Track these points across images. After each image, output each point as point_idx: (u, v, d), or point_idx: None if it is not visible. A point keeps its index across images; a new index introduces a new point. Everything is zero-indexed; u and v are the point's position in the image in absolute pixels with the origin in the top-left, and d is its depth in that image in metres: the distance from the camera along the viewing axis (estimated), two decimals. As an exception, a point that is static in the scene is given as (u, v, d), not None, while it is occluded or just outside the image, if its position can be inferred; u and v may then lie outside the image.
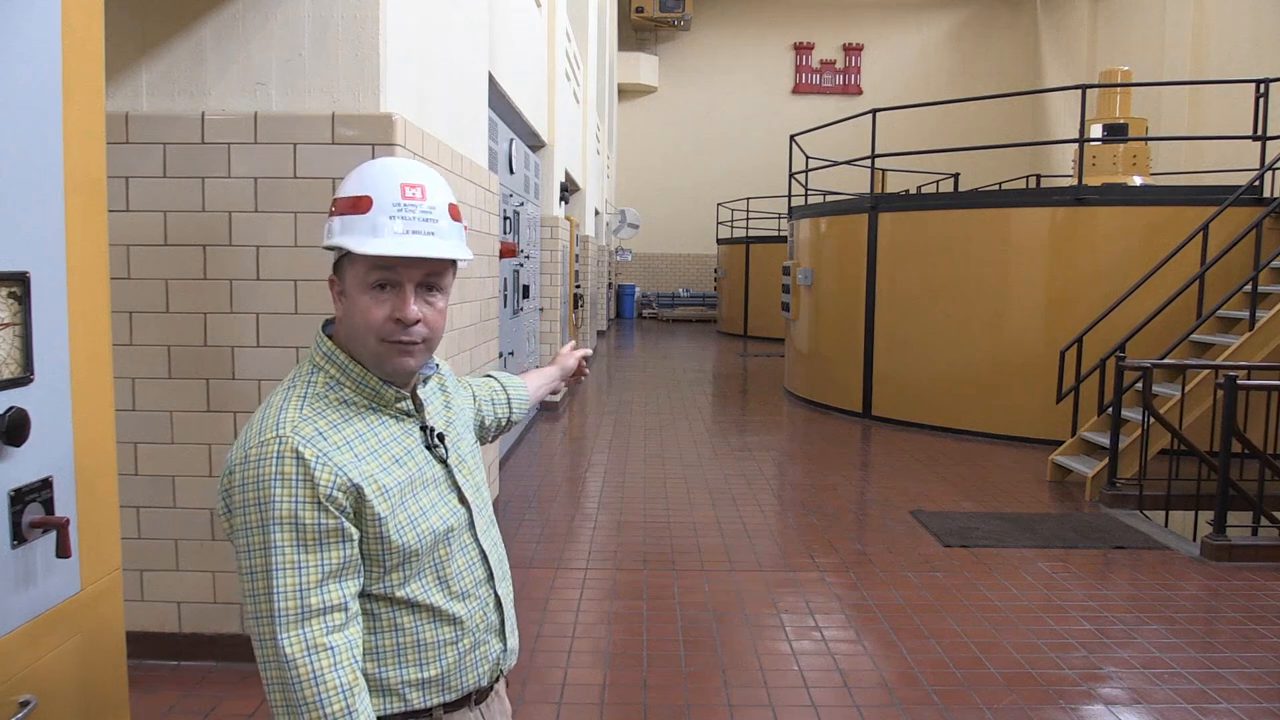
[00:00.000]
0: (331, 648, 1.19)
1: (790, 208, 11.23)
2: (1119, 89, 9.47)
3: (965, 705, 3.24)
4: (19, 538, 1.41)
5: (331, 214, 1.31)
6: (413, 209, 1.27)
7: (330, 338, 1.34)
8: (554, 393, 2.00)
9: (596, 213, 16.12)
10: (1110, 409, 6.22)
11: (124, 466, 3.24)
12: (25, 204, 1.42)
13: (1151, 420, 5.92)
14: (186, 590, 3.35)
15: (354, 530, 1.24)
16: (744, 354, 16.02)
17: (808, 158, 11.52)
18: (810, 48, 24.49)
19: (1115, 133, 9.30)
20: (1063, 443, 6.97)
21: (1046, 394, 7.53)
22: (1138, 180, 8.97)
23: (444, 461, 1.39)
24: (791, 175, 11.43)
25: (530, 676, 3.41)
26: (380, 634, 1.29)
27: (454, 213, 1.33)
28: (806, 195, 11.35)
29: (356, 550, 1.24)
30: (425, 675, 1.32)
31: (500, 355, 6.18)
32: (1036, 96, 22.06)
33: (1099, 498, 6.14)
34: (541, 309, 9.29)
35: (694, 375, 12.80)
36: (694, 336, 19.48)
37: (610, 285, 21.65)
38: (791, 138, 11.56)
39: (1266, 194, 7.58)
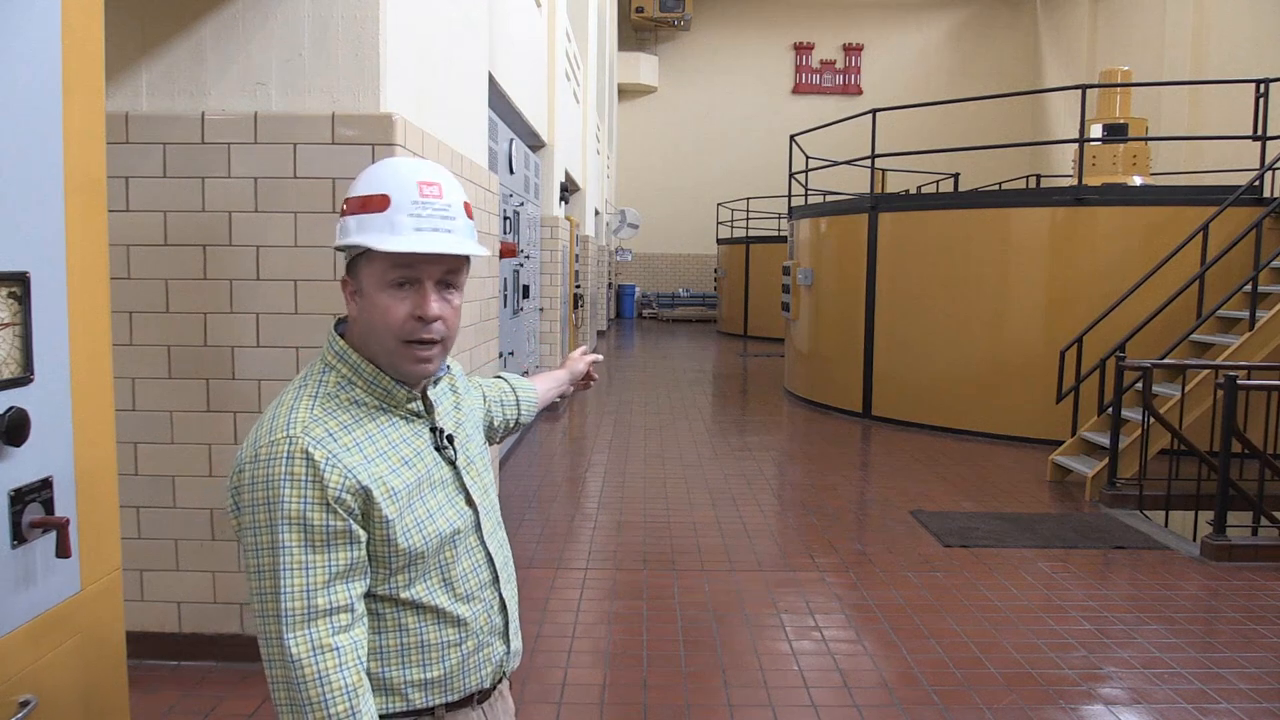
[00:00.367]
0: (337, 648, 1.19)
1: (790, 208, 11.23)
2: (1119, 89, 9.47)
3: (965, 705, 3.24)
4: (19, 538, 1.41)
5: (344, 213, 1.29)
6: (430, 206, 1.26)
7: (342, 337, 1.33)
8: (561, 396, 1.99)
9: (596, 213, 16.12)
10: (1110, 409, 6.22)
11: (124, 466, 3.24)
12: (25, 204, 1.42)
13: (1151, 420, 5.92)
14: (186, 590, 3.35)
15: (361, 532, 1.24)
16: (744, 354, 16.02)
17: (808, 158, 11.52)
18: (810, 48, 24.48)
19: (1115, 133, 9.30)
20: (1063, 443, 6.97)
21: (1046, 394, 7.53)
22: (1138, 180, 8.97)
23: (453, 463, 1.39)
24: (791, 175, 11.43)
25: (530, 676, 3.41)
26: (385, 634, 1.29)
27: (468, 211, 1.33)
28: (806, 195, 11.35)
29: (364, 551, 1.24)
30: (428, 676, 1.32)
31: (500, 355, 6.18)
32: (1036, 96, 22.06)
33: (1099, 498, 6.14)
34: (541, 309, 9.29)
35: (694, 375, 12.80)
36: (694, 336, 19.48)
37: (610, 285, 21.65)
38: (791, 138, 11.56)
39: (1266, 194, 7.58)
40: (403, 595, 1.29)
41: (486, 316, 5.06)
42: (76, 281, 1.54)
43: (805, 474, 6.86)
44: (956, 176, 13.05)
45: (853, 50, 24.41)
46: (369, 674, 1.28)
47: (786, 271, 10.89)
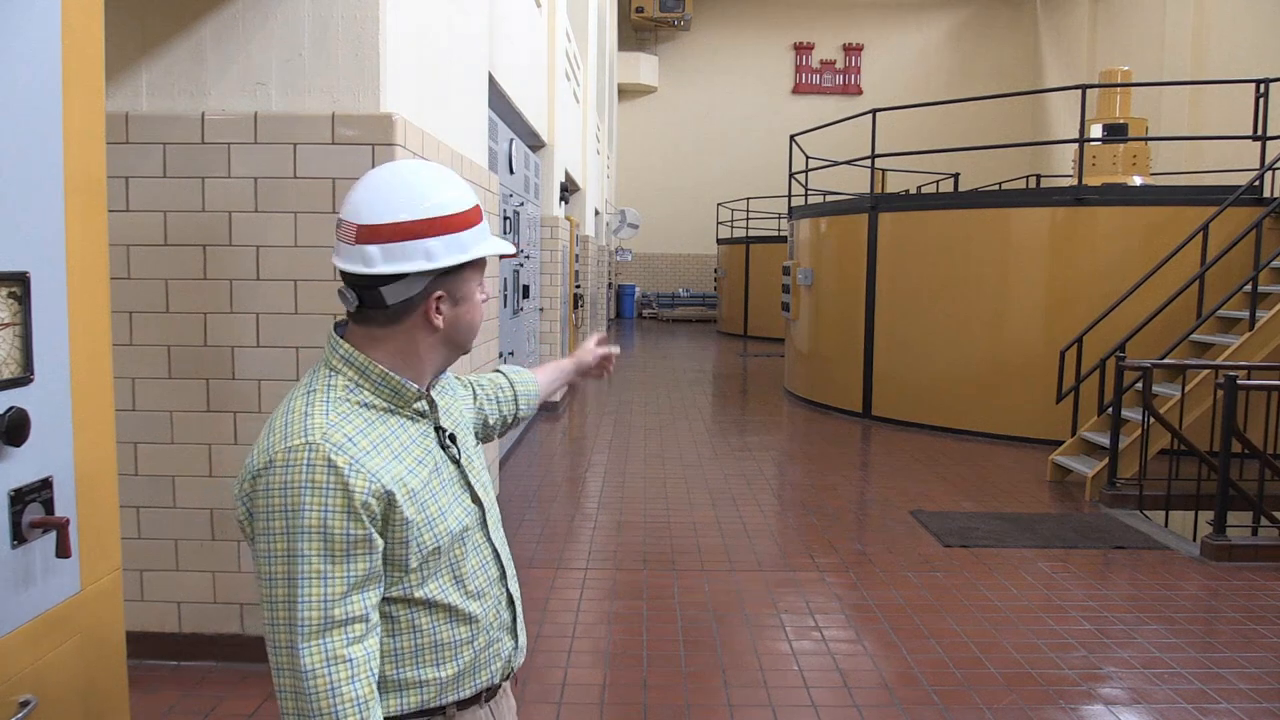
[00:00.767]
0: (350, 660, 1.19)
1: (790, 208, 11.23)
2: (1119, 89, 9.47)
3: (965, 705, 3.24)
4: (19, 538, 1.41)
5: (455, 230, 1.29)
6: None
7: (344, 340, 1.32)
8: (571, 385, 1.98)
9: (596, 213, 16.12)
10: (1110, 409, 6.22)
11: (124, 466, 3.24)
12: (25, 204, 1.42)
13: (1151, 420, 5.92)
14: (186, 590, 3.35)
15: (379, 540, 1.23)
16: (744, 354, 16.02)
17: (808, 158, 11.51)
18: (810, 48, 24.48)
19: (1115, 133, 9.30)
20: (1063, 443, 6.96)
21: (1046, 394, 7.53)
22: (1138, 180, 8.97)
23: (457, 462, 1.40)
24: (791, 175, 11.44)
25: (530, 676, 3.41)
26: (399, 636, 1.29)
27: None
28: (806, 195, 11.35)
29: (380, 560, 1.24)
30: (442, 675, 1.33)
31: (500, 355, 6.18)
32: (1036, 96, 22.06)
33: (1099, 498, 6.14)
34: (541, 309, 9.28)
35: (694, 375, 12.81)
36: (694, 336, 19.48)
37: (610, 285, 21.64)
38: (791, 138, 11.56)
39: (1266, 194, 7.58)
40: (417, 594, 1.29)
41: (487, 317, 5.06)
42: (76, 281, 1.54)
43: (805, 474, 6.86)
44: (956, 176, 13.05)
45: (853, 50, 24.41)
46: (383, 676, 1.28)
47: (786, 271, 10.89)
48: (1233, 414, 4.98)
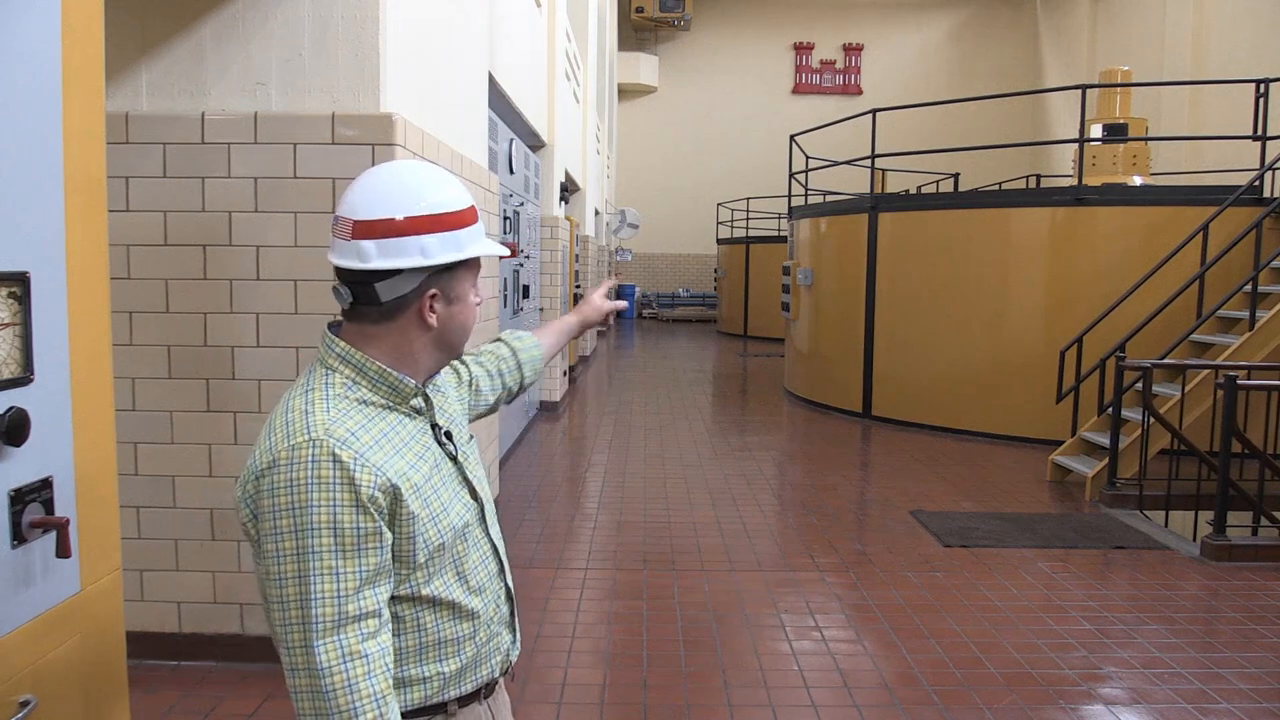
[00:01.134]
0: (366, 655, 1.18)
1: (790, 208, 11.23)
2: (1119, 89, 9.47)
3: (965, 705, 3.24)
4: (19, 538, 1.41)
5: (451, 228, 1.30)
6: None
7: (338, 338, 1.32)
8: (580, 336, 1.99)
9: (596, 213, 16.12)
10: (1110, 409, 6.22)
11: (124, 466, 3.24)
12: (25, 204, 1.42)
13: (1151, 420, 5.92)
14: (186, 590, 3.35)
15: (389, 534, 1.23)
16: (744, 354, 16.02)
17: (808, 158, 11.52)
18: (810, 48, 24.48)
19: (1115, 133, 9.30)
20: (1063, 443, 6.96)
21: (1046, 394, 7.53)
22: (1138, 180, 8.97)
23: (454, 458, 1.40)
24: (791, 175, 11.43)
25: (530, 676, 3.41)
26: (404, 635, 1.29)
27: None
28: (806, 195, 11.35)
29: (390, 555, 1.24)
30: (445, 670, 1.33)
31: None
32: (1036, 96, 22.06)
33: (1099, 498, 6.14)
34: (541, 309, 9.28)
35: (694, 375, 12.81)
36: (694, 336, 19.48)
37: (610, 285, 21.59)
38: (791, 138, 11.56)
39: (1266, 194, 7.58)
40: (423, 592, 1.29)
41: (486, 316, 5.06)
42: (76, 281, 1.54)
43: (805, 474, 6.86)
44: (956, 176, 13.05)
45: (853, 50, 24.41)
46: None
47: (786, 271, 10.88)
48: (1233, 414, 4.98)
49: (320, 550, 1.17)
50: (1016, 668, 3.54)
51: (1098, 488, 6.20)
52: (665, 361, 14.50)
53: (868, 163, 9.46)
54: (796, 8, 24.30)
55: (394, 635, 1.28)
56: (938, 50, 24.13)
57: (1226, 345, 6.51)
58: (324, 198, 3.22)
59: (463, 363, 1.67)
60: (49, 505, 1.47)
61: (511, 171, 7.05)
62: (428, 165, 1.36)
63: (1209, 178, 12.66)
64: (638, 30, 24.06)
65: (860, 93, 24.08)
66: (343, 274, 1.30)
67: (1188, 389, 6.22)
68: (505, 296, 6.93)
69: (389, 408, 1.31)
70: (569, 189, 11.33)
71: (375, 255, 1.26)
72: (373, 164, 3.14)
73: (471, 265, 1.38)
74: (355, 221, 1.27)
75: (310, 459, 1.18)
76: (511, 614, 1.47)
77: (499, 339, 1.79)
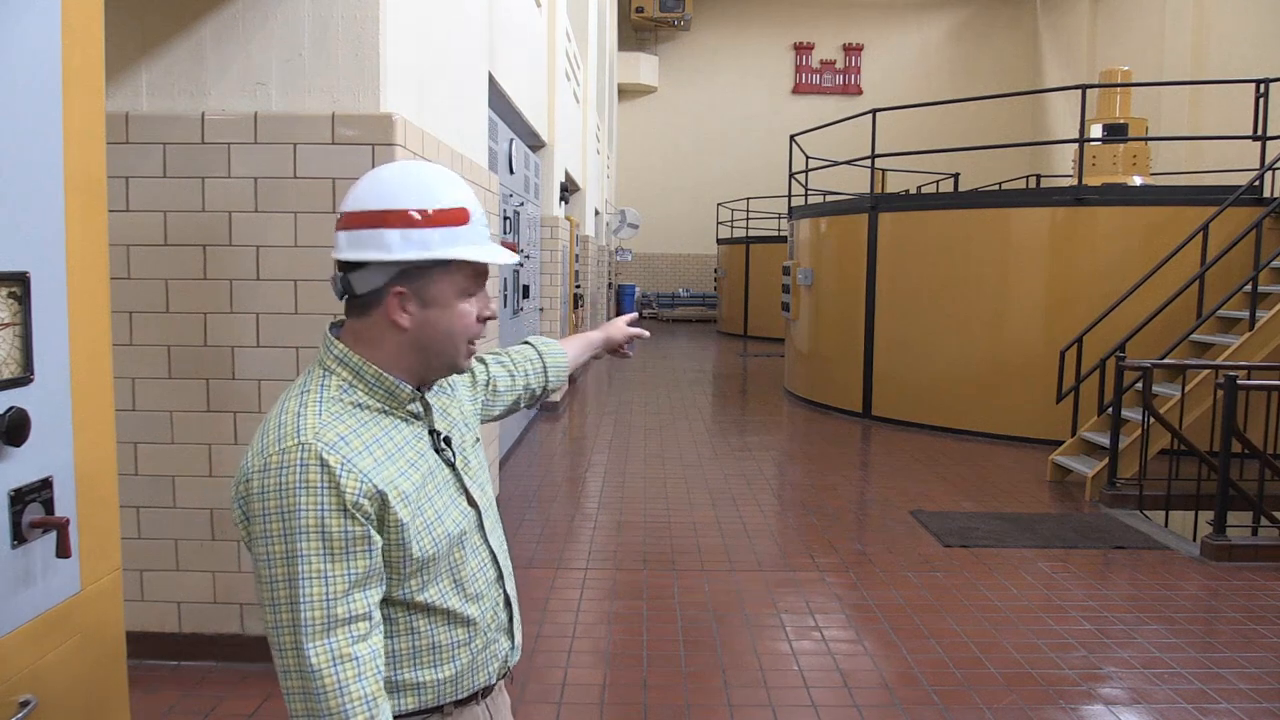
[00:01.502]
0: (356, 658, 1.19)
1: (790, 208, 11.23)
2: (1119, 89, 9.47)
3: (965, 705, 3.24)
4: (19, 538, 1.41)
5: (417, 225, 1.26)
6: (483, 220, 1.35)
7: (338, 340, 1.32)
8: (596, 357, 1.99)
9: (596, 213, 16.11)
10: (1110, 409, 6.22)
11: (124, 466, 3.24)
12: (25, 204, 1.42)
13: (1151, 420, 5.92)
14: (186, 590, 3.35)
15: (378, 538, 1.23)
16: (744, 354, 16.02)
17: (808, 158, 11.52)
18: (810, 48, 24.48)
19: (1115, 133, 9.30)
20: (1063, 443, 6.96)
21: (1046, 394, 7.53)
22: (1138, 180, 8.97)
23: (452, 465, 1.39)
24: (791, 175, 11.43)
25: (530, 676, 3.41)
26: (396, 638, 1.29)
27: None
28: (806, 195, 11.35)
29: (380, 558, 1.24)
30: (440, 676, 1.33)
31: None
32: (1036, 96, 22.06)
33: (1099, 498, 6.14)
34: (541, 309, 9.29)
35: (694, 375, 12.81)
36: (694, 336, 19.48)
37: (610, 285, 21.63)
38: (791, 138, 11.56)
39: (1266, 194, 7.58)
40: (417, 599, 1.29)
41: (486, 316, 5.05)
42: (76, 281, 1.54)
43: (805, 474, 6.86)
44: (956, 176, 13.05)
45: (853, 50, 24.40)
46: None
47: (786, 271, 10.89)
48: (1233, 414, 4.98)
49: (308, 554, 1.17)
50: (1016, 668, 3.54)
51: (1098, 488, 6.20)
52: (665, 361, 14.50)
53: (868, 163, 9.45)
54: (796, 8, 24.29)
55: (387, 637, 1.28)
56: (938, 50, 24.13)
57: (1226, 345, 6.51)
58: (324, 198, 3.22)
59: (482, 362, 1.67)
60: (49, 505, 1.47)
61: (511, 171, 7.05)
62: (435, 168, 1.34)
63: (1209, 178, 12.66)
64: (638, 30, 24.06)
65: (860, 93, 24.07)
66: (337, 266, 1.34)
67: (1188, 389, 6.22)
68: (505, 297, 6.93)
69: (385, 412, 1.31)
70: (569, 189, 11.33)
71: (345, 246, 1.28)
72: (373, 164, 3.14)
73: (454, 269, 1.30)
74: (342, 213, 1.31)
75: (299, 462, 1.18)
76: (510, 620, 1.46)
77: (526, 342, 1.80)
